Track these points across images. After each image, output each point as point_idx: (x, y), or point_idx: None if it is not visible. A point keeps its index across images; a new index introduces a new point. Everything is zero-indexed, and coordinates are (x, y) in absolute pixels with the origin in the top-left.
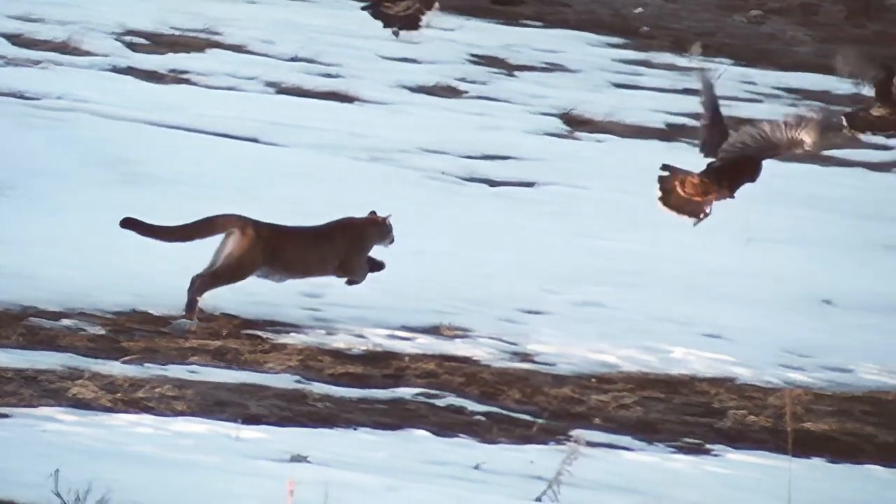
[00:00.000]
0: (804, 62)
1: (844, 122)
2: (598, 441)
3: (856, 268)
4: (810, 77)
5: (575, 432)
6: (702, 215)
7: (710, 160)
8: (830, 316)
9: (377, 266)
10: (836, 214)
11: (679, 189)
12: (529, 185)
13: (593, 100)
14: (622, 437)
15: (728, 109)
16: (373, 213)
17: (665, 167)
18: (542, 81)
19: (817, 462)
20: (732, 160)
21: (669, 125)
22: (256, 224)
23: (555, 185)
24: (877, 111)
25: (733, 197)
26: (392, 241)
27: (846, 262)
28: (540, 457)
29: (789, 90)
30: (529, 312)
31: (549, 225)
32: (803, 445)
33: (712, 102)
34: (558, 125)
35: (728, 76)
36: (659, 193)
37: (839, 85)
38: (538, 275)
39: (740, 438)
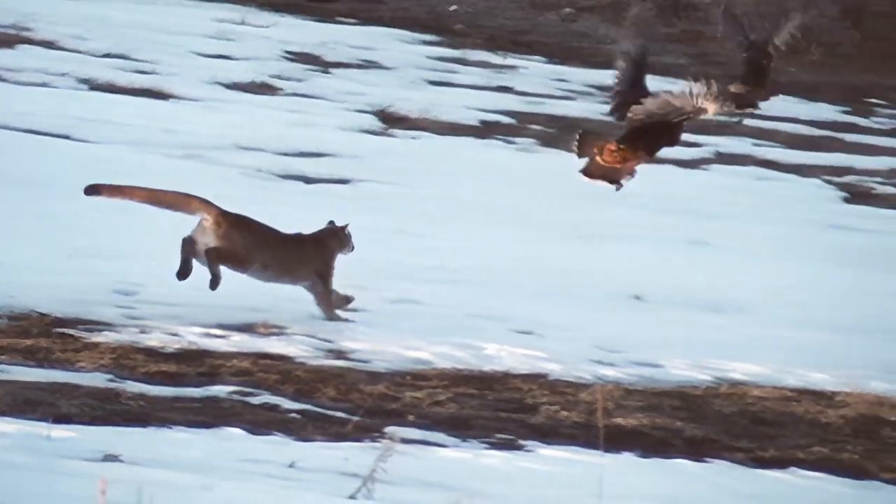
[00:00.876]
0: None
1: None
2: (413, 438)
3: (665, 263)
4: None
5: (389, 429)
6: (623, 181)
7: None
8: (641, 311)
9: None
10: (646, 210)
11: (598, 158)
12: (345, 182)
13: (408, 97)
14: (436, 433)
15: (541, 107)
16: (331, 222)
17: (580, 135)
18: (357, 79)
19: (628, 457)
20: (642, 126)
21: (484, 122)
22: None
23: (370, 182)
24: (735, 88)
25: (652, 160)
26: (352, 249)
27: (656, 258)
28: (355, 454)
29: (601, 87)
30: (345, 310)
31: (364, 222)
32: (614, 440)
33: (635, 70)
34: (374, 122)
35: (541, 73)
36: (580, 165)
37: (649, 82)
38: (352, 272)
39: (552, 434)
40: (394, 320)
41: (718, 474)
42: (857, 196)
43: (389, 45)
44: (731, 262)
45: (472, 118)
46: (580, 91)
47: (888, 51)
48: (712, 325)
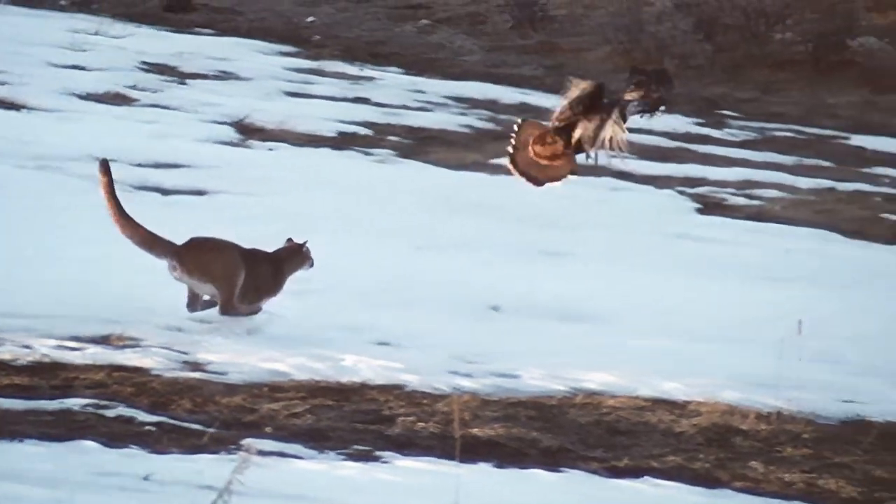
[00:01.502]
0: (472, 71)
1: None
2: (270, 450)
3: (522, 274)
4: (478, 86)
5: (246, 441)
6: (554, 182)
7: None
8: (497, 321)
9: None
10: (501, 221)
11: (530, 147)
12: (201, 193)
13: (266, 108)
14: (293, 445)
15: (398, 118)
16: (289, 240)
17: (520, 124)
18: (214, 89)
19: (484, 467)
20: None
21: (341, 133)
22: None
23: (227, 194)
24: (631, 94)
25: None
26: (311, 265)
27: (512, 268)
28: (211, 466)
29: (458, 99)
30: (201, 321)
31: (221, 233)
32: (471, 451)
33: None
34: (230, 133)
35: (398, 85)
36: (509, 150)
37: (507, 94)
38: None
39: (409, 445)
40: (250, 332)
41: (574, 484)
42: (709, 207)
43: (246, 56)
44: (586, 272)
45: (330, 129)
46: (437, 102)
47: (740, 63)
48: (568, 335)
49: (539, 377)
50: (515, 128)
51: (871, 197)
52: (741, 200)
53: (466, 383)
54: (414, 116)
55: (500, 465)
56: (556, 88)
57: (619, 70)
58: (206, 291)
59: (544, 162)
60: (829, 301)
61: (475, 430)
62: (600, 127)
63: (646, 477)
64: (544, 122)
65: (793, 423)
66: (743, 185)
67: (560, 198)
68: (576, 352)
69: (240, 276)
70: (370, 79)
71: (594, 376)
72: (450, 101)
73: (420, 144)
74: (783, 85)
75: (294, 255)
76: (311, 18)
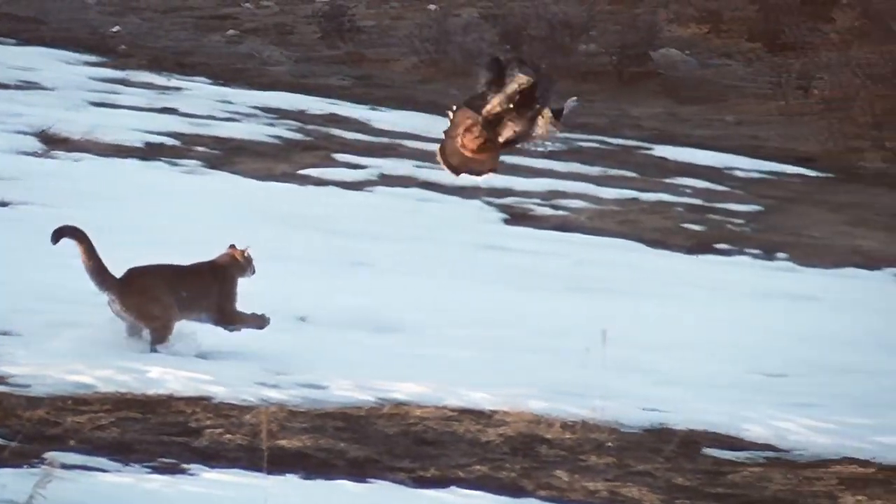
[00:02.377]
0: (280, 81)
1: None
2: (74, 463)
3: (329, 284)
4: (286, 96)
5: (49, 455)
6: (474, 175)
7: None
8: (305, 332)
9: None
10: (310, 231)
11: (461, 138)
12: (4, 205)
13: (70, 118)
14: (98, 458)
15: (206, 128)
16: (232, 246)
17: (458, 106)
18: (17, 99)
19: (291, 478)
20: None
21: (148, 144)
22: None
23: (30, 205)
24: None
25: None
26: (254, 272)
27: (320, 279)
28: (12, 480)
29: (266, 109)
30: (2, 334)
31: (24, 245)
32: (278, 462)
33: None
34: (34, 144)
35: (205, 95)
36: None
37: (315, 104)
38: (11, 295)
39: (216, 457)
40: (54, 343)
41: (380, 494)
42: (516, 217)
43: (51, 66)
44: (394, 282)
45: (136, 140)
46: (245, 112)
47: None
48: (376, 345)
49: (347, 388)
50: (450, 113)
51: (672, 207)
52: (547, 211)
53: (274, 395)
54: (222, 127)
55: (307, 477)
56: (365, 98)
57: (427, 80)
58: (141, 329)
59: (469, 154)
60: (633, 311)
61: (282, 442)
62: (532, 123)
63: (452, 487)
64: (475, 113)
65: (597, 432)
66: (549, 196)
67: (368, 208)
68: (384, 362)
69: (172, 314)
70: (177, 89)
71: (402, 387)
72: (258, 112)
73: (228, 155)
74: (588, 96)
75: (234, 262)
76: (116, 28)
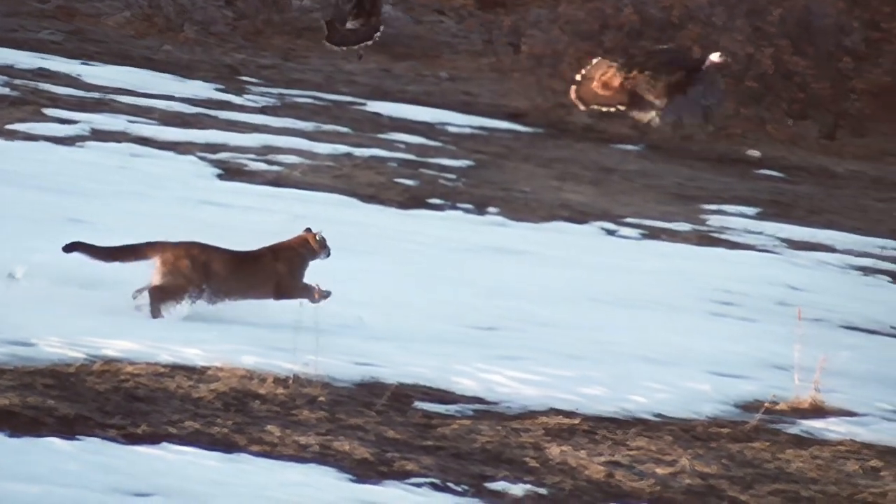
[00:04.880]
0: None
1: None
2: None
3: (42, 241)
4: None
5: None
6: (603, 107)
7: None
8: (13, 289)
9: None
10: (21, 188)
11: (598, 80)
12: None
13: None
14: None
15: None
16: (307, 230)
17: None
18: None
19: None
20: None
21: None
22: (178, 248)
23: None
24: (351, 24)
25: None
26: (328, 254)
27: (33, 235)
28: None
29: None
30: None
31: None
32: None
33: None
34: None
35: None
36: (577, 78)
37: (24, 59)
38: None
39: None
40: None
41: (91, 452)
42: (231, 173)
43: None
44: (106, 239)
45: None
46: None
47: (260, 29)
48: (88, 303)
49: (57, 345)
50: (592, 62)
51: (386, 162)
52: (261, 166)
53: None
54: None
55: (14, 435)
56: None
57: (140, 35)
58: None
59: (601, 91)
60: (346, 266)
61: None
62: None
63: (164, 443)
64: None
65: (309, 387)
66: (263, 151)
67: (81, 164)
68: (96, 319)
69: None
70: None
71: (114, 343)
72: None
73: None
74: (302, 52)
75: (305, 245)
76: None
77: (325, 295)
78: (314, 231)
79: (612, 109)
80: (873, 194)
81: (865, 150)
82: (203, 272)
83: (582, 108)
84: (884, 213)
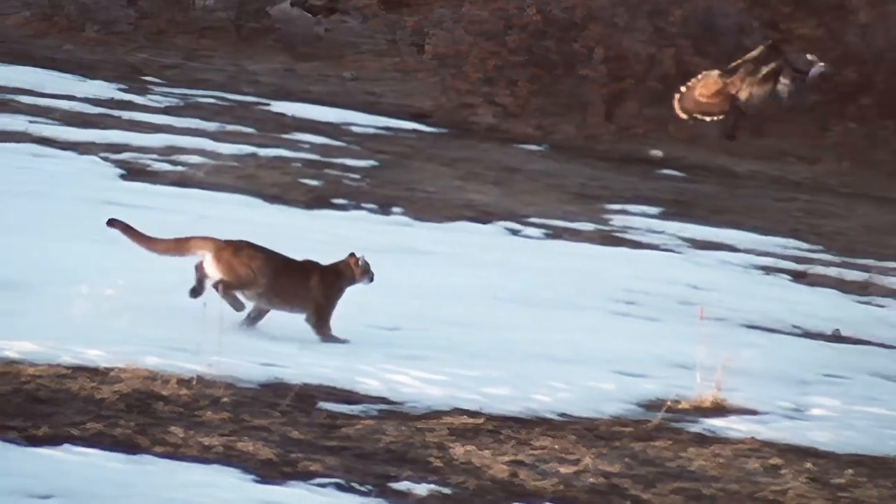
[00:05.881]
0: None
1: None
2: None
3: None
4: None
5: None
6: (706, 117)
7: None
8: None
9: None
10: None
11: (699, 90)
12: None
13: None
14: None
15: None
16: (351, 255)
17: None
18: None
19: None
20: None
21: None
22: (232, 244)
23: None
24: None
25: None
26: (371, 279)
27: None
28: None
29: None
30: None
31: None
32: None
33: None
34: None
35: None
36: (682, 89)
37: None
38: None
39: None
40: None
41: None
42: (134, 173)
43: None
44: (7, 240)
45: None
46: None
47: (164, 29)
48: None
49: None
50: (698, 77)
51: (290, 163)
52: (165, 166)
53: None
54: None
55: None
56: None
57: (40, 35)
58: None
59: (703, 99)
60: None
61: None
62: (771, 89)
63: (65, 444)
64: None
65: (213, 388)
66: (166, 152)
67: None
68: None
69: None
70: None
71: (14, 345)
72: None
73: None
74: (206, 52)
75: (348, 270)
76: None
77: (335, 340)
78: (357, 255)
79: (714, 119)
80: (773, 194)
81: (765, 150)
82: (261, 269)
83: (684, 117)
84: (784, 212)
